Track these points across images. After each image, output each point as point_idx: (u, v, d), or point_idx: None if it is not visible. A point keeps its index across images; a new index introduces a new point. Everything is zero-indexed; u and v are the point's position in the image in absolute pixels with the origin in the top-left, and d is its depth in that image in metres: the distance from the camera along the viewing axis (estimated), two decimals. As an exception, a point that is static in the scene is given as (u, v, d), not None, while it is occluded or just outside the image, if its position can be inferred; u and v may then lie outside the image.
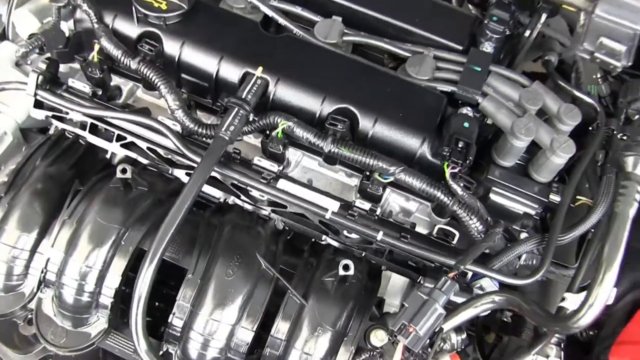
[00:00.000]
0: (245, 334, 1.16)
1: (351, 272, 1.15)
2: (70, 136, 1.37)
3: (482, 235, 1.22)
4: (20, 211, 1.22)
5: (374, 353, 1.12)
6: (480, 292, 1.25)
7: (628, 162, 1.08)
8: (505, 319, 1.58)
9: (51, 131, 1.41)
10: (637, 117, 1.15)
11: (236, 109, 1.22)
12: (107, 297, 1.19)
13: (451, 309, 1.09)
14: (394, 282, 1.38)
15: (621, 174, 1.09)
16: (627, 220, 1.05)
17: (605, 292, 1.00)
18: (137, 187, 1.23)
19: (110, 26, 1.31)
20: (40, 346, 1.38)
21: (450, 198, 1.21)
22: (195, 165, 1.25)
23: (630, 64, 1.00)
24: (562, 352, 1.41)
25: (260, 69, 1.27)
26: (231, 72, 1.30)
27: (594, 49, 0.98)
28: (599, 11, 0.95)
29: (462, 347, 1.28)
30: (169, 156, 1.30)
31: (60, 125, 1.34)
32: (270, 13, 1.39)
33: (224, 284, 1.15)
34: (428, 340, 1.04)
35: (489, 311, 1.17)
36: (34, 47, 1.23)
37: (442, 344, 1.10)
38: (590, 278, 1.12)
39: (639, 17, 0.94)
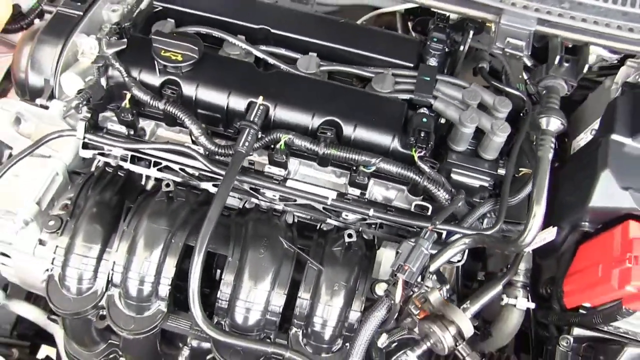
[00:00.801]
0: (279, 298, 1.51)
1: (354, 238, 1.51)
2: (110, 170, 1.72)
3: (449, 202, 1.60)
4: (84, 230, 1.56)
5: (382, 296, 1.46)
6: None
7: (542, 122, 1.50)
8: (480, 279, 1.96)
9: (92, 169, 1.75)
10: (544, 92, 1.56)
11: (248, 129, 1.59)
12: (165, 286, 1.52)
13: (436, 252, 1.46)
14: (385, 266, 1.74)
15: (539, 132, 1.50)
16: (547, 162, 1.46)
17: (538, 221, 1.39)
18: (177, 199, 1.58)
19: (137, 78, 1.68)
20: (106, 344, 1.68)
21: (420, 176, 1.59)
22: (220, 177, 1.61)
23: (529, 53, 1.42)
24: (528, 294, 1.79)
25: (261, 97, 1.64)
26: (238, 103, 1.66)
27: (503, 46, 1.39)
28: (503, 20, 1.38)
29: (447, 296, 1.64)
30: (197, 174, 1.66)
31: (106, 160, 1.69)
32: (261, 55, 1.79)
33: (258, 262, 1.51)
34: (420, 277, 1.40)
35: (465, 250, 1.54)
36: (84, 99, 1.59)
37: (430, 276, 1.46)
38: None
39: (530, 22, 1.36)
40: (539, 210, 1.40)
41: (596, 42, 1.43)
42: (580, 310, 1.66)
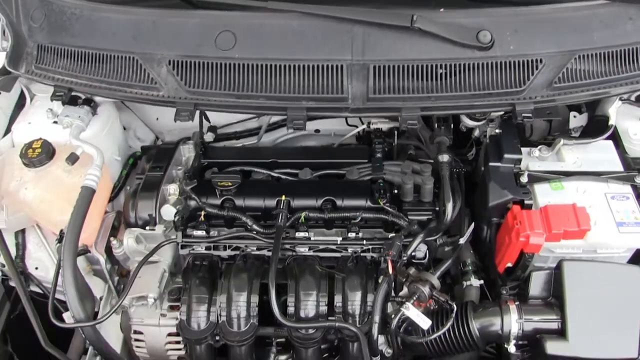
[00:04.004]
0: (323, 299, 2.64)
1: (359, 253, 2.72)
2: (198, 262, 2.90)
3: (407, 226, 2.82)
4: (195, 293, 2.70)
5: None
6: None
7: (439, 158, 2.82)
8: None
9: (184, 266, 2.94)
10: (438, 145, 2.94)
11: (281, 213, 2.82)
12: (254, 308, 2.64)
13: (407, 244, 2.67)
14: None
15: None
16: (447, 179, 2.74)
17: (449, 210, 2.65)
18: (249, 261, 2.78)
19: (206, 201, 2.95)
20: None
21: (387, 215, 2.83)
22: (271, 245, 2.81)
23: (420, 125, 2.77)
24: (479, 276, 2.93)
25: (283, 196, 2.90)
26: (270, 203, 2.91)
27: (406, 126, 2.72)
28: (403, 114, 2.76)
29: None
30: (255, 247, 2.87)
31: (196, 253, 2.89)
32: (277, 175, 3.09)
33: (307, 282, 2.66)
34: (399, 257, 2.59)
35: (426, 249, 2.75)
36: (180, 218, 2.84)
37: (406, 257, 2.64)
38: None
39: (417, 110, 2.70)
40: (448, 205, 2.67)
41: (454, 113, 2.87)
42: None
